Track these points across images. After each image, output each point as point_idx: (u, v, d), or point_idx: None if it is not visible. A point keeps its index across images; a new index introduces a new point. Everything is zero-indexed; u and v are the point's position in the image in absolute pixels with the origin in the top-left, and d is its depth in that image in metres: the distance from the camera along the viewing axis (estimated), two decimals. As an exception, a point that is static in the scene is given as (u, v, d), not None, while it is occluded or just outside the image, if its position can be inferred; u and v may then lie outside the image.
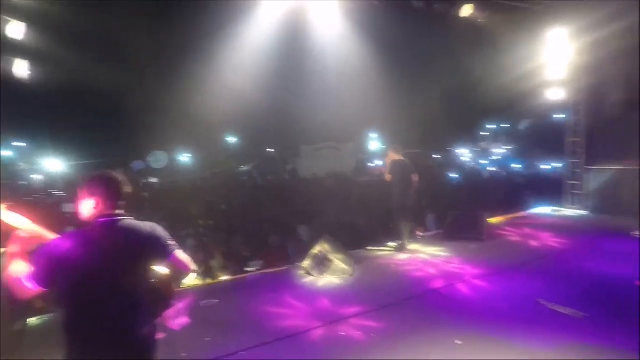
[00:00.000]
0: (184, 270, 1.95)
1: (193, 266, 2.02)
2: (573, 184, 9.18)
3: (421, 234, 7.33)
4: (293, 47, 10.34)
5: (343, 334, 3.52)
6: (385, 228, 8.61)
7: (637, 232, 6.32)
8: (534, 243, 6.49)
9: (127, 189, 1.91)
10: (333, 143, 29.03)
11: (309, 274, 5.14)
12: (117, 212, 1.83)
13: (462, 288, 4.58)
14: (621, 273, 4.74)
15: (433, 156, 25.31)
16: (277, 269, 5.63)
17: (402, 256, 5.96)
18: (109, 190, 1.84)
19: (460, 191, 13.83)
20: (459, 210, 7.65)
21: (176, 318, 3.70)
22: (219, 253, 7.51)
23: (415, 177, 6.16)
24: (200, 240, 8.66)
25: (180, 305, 4.11)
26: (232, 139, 36.05)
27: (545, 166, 16.63)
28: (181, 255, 1.92)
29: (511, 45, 9.10)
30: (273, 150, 34.95)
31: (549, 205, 9.51)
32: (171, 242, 1.90)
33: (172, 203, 14.22)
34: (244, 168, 29.44)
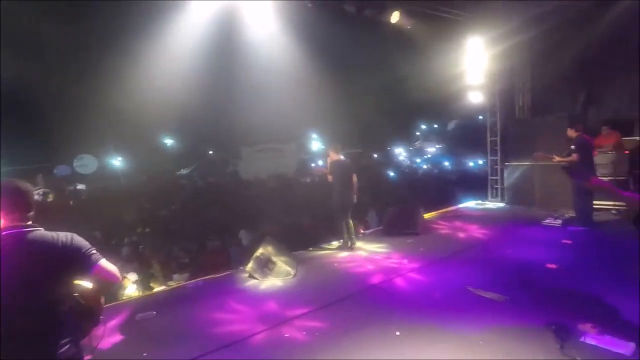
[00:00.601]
0: (111, 280, 1.82)
1: (121, 276, 1.90)
2: (493, 179, 10.14)
3: (363, 231, 7.59)
4: (231, 47, 10.15)
5: (287, 335, 3.54)
6: (328, 227, 8.79)
7: (547, 221, 7.12)
8: (462, 235, 7.03)
9: (34, 197, 1.77)
10: (274, 144, 28.85)
11: (252, 277, 5.10)
12: (25, 223, 1.69)
13: (401, 281, 4.82)
14: (535, 258, 5.29)
15: (372, 155, 26.22)
16: (219, 275, 5.51)
17: (344, 254, 6.12)
18: (11, 201, 1.68)
19: (397, 188, 14.52)
20: (396, 206, 8.05)
21: (108, 335, 3.49)
22: (157, 262, 7.17)
23: (354, 177, 6.24)
24: (136, 250, 8.20)
25: (112, 321, 3.89)
26: (169, 141, 34.36)
27: (471, 163, 18.12)
28: (106, 264, 1.79)
29: (438, 51, 9.80)
30: (213, 152, 33.86)
31: (475, 199, 10.41)
32: (93, 252, 1.77)
33: (104, 211, 13.25)
34: (184, 171, 28.19)
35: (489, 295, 4.13)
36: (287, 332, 3.59)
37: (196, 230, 9.88)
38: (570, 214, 7.32)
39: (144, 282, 6.08)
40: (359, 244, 6.64)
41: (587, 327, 3.24)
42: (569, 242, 5.97)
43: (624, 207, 5.61)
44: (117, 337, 3.63)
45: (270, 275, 5.08)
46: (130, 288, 5.83)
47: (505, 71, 9.62)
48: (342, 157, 6.29)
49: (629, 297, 3.70)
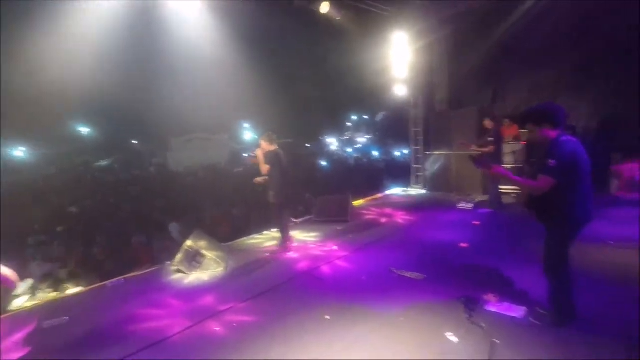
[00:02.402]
0: (6, 286, 1.67)
1: (18, 281, 1.72)
2: (416, 167, 10.86)
3: (295, 220, 7.67)
4: (158, 33, 9.48)
5: (217, 329, 3.49)
6: (261, 217, 8.76)
7: (461, 205, 7.84)
8: (387, 220, 7.43)
9: None
10: (205, 134, 27.86)
11: (180, 271, 4.92)
12: None
13: (331, 267, 4.97)
14: (450, 238, 5.82)
15: (305, 145, 26.50)
16: (143, 271, 5.22)
17: (275, 244, 6.14)
18: None
19: (329, 177, 14.88)
20: (327, 195, 8.26)
21: (9, 350, 3.15)
22: (73, 261, 6.58)
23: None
24: (46, 250, 7.43)
25: (16, 334, 3.51)
26: (85, 129, 31.27)
27: (397, 153, 19.22)
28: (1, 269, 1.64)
29: (367, 44, 10.14)
30: (137, 142, 31.61)
31: (400, 187, 11.07)
32: None
33: (3, 208, 11.73)
34: (103, 163, 26.02)
35: (410, 274, 4.45)
36: (217, 327, 3.54)
37: (118, 226, 9.22)
38: (480, 198, 8.14)
39: (54, 285, 5.54)
40: (291, 233, 6.73)
41: (490, 297, 3.66)
42: (478, 223, 6.66)
43: (519, 192, 6.39)
44: (21, 351, 3.29)
45: (200, 269, 4.95)
46: (20, 300, 5.11)
47: (426, 66, 10.30)
48: (276, 147, 5.76)
49: (523, 268, 4.25)
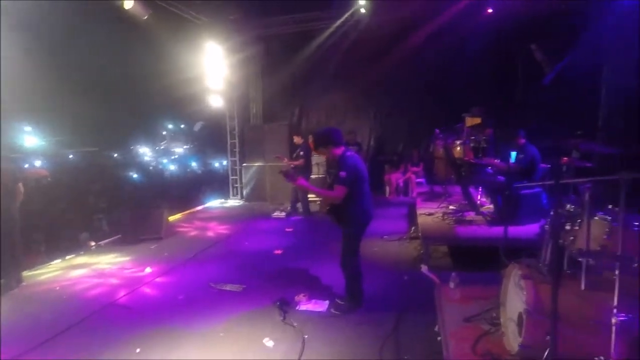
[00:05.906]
0: None
1: None
2: (233, 178, 11.07)
3: (94, 243, 6.62)
4: None
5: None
6: (49, 243, 7.19)
7: (275, 214, 8.36)
8: (206, 233, 7.29)
9: None
10: (-43, 138, 20.88)
11: None
12: None
13: (143, 292, 4.55)
14: (266, 246, 6.16)
15: (111, 155, 23.22)
16: None
17: (69, 274, 5.21)
18: None
19: (141, 190, 13.50)
20: (135, 210, 7.48)
21: None
22: None
23: (20, 188, 4.90)
24: None
25: None
26: None
27: (216, 164, 18.95)
28: None
29: (179, 50, 9.69)
30: None
31: (218, 198, 11.03)
32: None
33: None
34: None
35: (228, 287, 4.50)
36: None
37: None
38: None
39: None
40: (90, 259, 5.83)
41: (300, 297, 4.07)
42: (291, 229, 7.28)
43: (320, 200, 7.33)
44: None
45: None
46: None
47: (241, 80, 10.63)
48: None
49: (327, 267, 4.84)
